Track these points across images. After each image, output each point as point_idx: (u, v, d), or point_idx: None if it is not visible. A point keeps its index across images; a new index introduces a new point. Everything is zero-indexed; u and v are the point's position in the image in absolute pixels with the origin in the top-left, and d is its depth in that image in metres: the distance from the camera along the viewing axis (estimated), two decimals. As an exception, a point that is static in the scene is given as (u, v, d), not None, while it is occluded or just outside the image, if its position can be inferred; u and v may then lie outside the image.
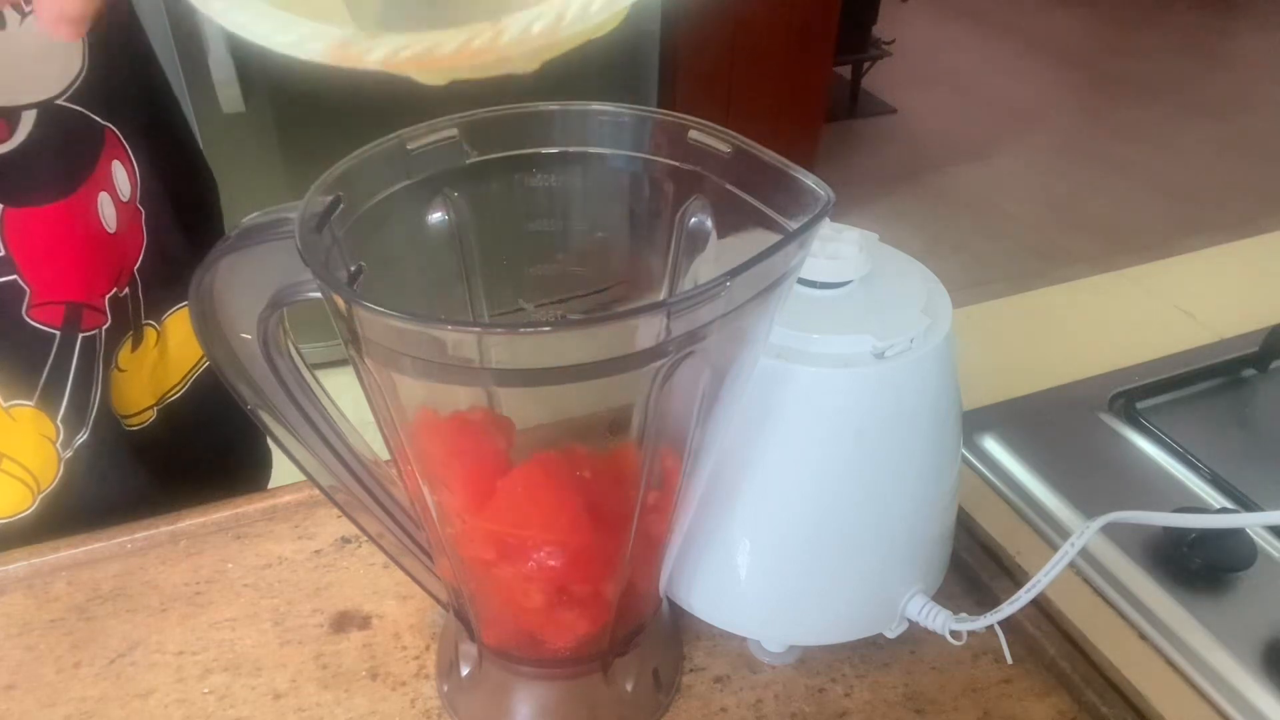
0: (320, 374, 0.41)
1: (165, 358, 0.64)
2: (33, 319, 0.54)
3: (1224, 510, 0.56)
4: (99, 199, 0.55)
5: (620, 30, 0.24)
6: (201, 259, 0.36)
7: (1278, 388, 0.68)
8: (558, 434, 0.40)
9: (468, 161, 0.39)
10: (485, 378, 0.32)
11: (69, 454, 0.58)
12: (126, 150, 0.57)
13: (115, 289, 0.58)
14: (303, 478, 0.43)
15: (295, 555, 0.54)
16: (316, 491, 0.44)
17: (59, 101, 0.53)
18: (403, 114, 0.38)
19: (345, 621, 0.50)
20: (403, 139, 0.37)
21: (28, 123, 0.51)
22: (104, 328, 0.58)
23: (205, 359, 0.66)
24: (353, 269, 0.35)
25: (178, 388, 0.65)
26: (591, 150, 0.40)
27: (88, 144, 0.55)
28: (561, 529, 0.39)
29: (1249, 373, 0.69)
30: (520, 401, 0.38)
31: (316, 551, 0.54)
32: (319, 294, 0.32)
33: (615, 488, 0.40)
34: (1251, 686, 0.47)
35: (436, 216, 0.40)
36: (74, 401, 0.57)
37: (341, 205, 0.34)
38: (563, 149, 0.40)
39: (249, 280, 0.36)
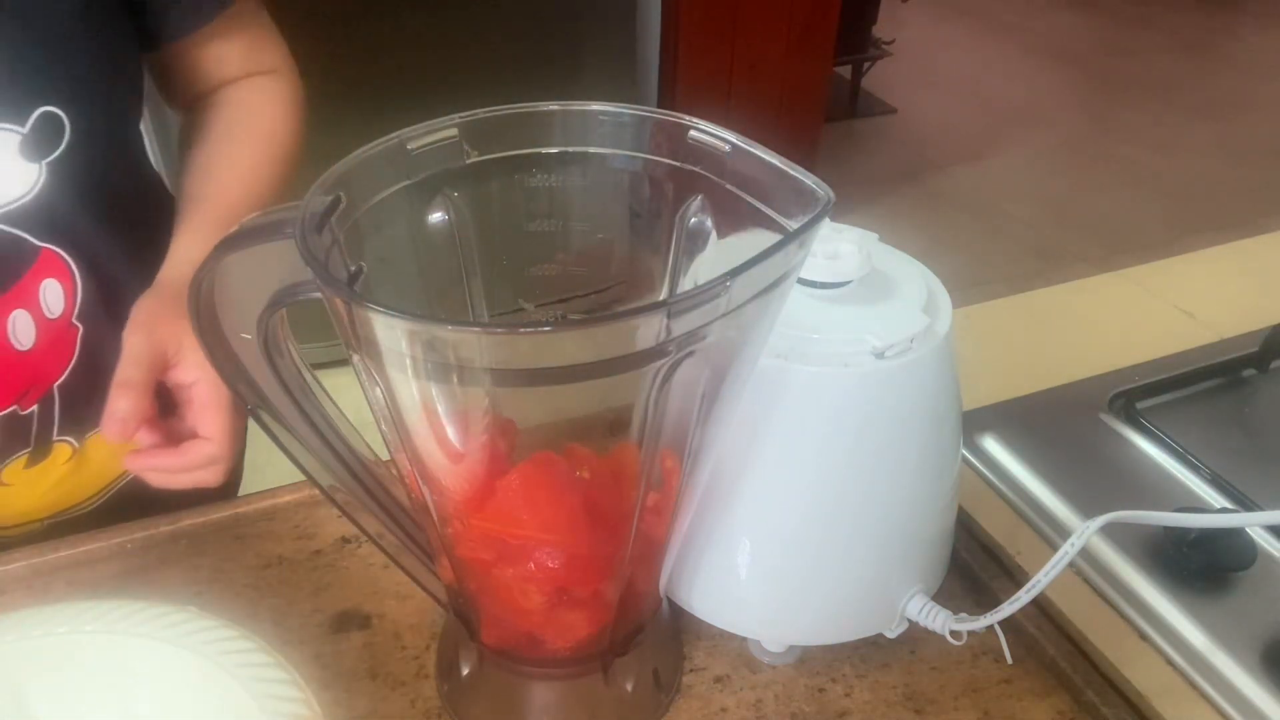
0: (320, 374, 0.41)
1: (80, 473, 0.60)
2: None
3: (1224, 510, 0.56)
4: (11, 317, 0.53)
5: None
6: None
7: (1278, 388, 0.68)
8: (558, 434, 0.40)
9: (468, 161, 0.39)
10: (485, 378, 0.32)
11: None
12: (70, 269, 0.54)
13: (14, 407, 0.55)
14: (302, 478, 0.43)
15: (295, 555, 0.54)
16: (316, 491, 0.44)
17: None
18: (403, 114, 0.38)
19: (345, 621, 0.50)
20: (403, 139, 0.37)
21: None
22: None
23: (121, 482, 0.63)
24: (353, 269, 0.35)
25: (88, 502, 0.62)
26: (591, 150, 0.40)
27: (12, 263, 0.52)
28: (561, 529, 0.39)
29: (1249, 373, 0.69)
30: (520, 401, 0.38)
31: (316, 551, 0.54)
32: (319, 294, 0.32)
33: (615, 488, 0.40)
34: (1251, 686, 0.47)
35: (436, 216, 0.40)
36: None
37: (341, 205, 0.34)
38: (563, 149, 0.40)
39: (249, 280, 0.36)
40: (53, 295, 0.54)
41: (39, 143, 0.51)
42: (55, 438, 0.58)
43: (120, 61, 0.56)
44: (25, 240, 0.52)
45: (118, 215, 0.57)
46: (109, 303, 0.57)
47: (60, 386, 0.57)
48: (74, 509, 0.61)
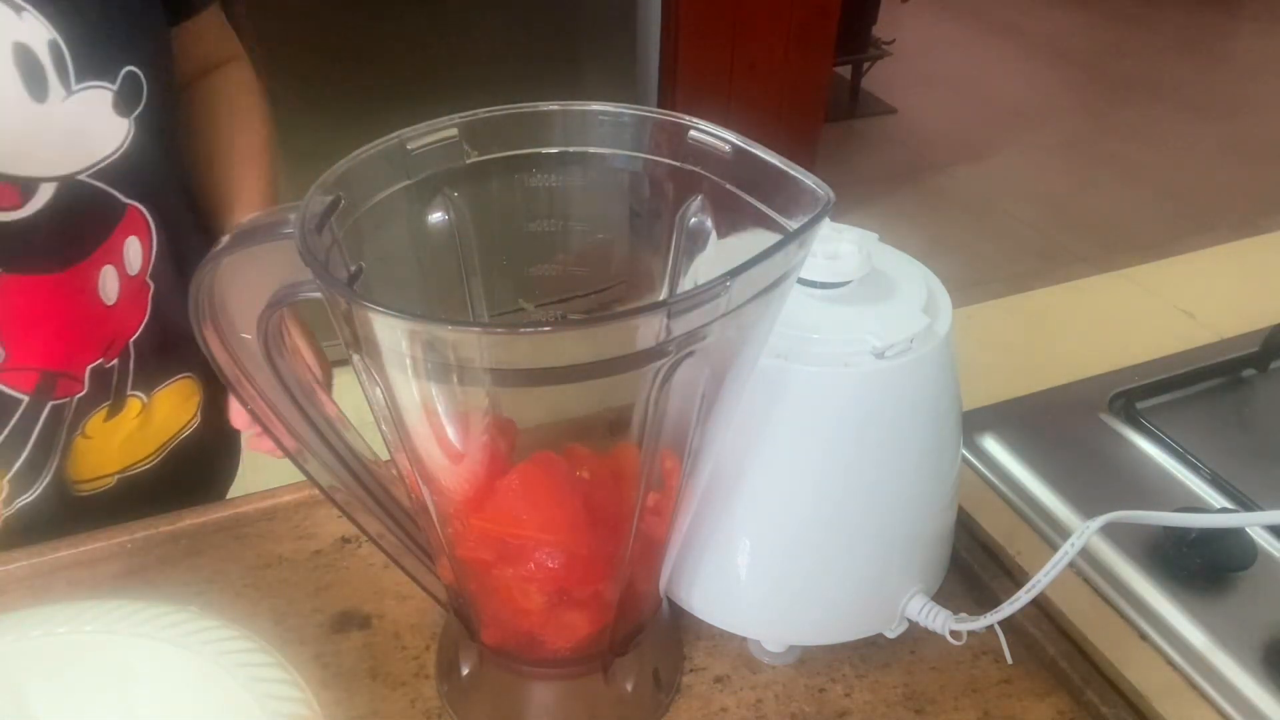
0: (320, 374, 0.41)
1: (145, 429, 0.63)
2: (2, 384, 0.54)
3: (1224, 510, 0.56)
4: (102, 272, 0.56)
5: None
6: None
7: (1278, 388, 0.68)
8: (558, 434, 0.40)
9: (468, 161, 0.39)
10: (485, 378, 0.32)
11: (9, 511, 0.58)
12: (149, 226, 0.57)
13: (101, 360, 0.58)
14: (303, 478, 0.43)
15: (295, 555, 0.54)
16: (316, 491, 0.44)
17: (81, 177, 0.53)
18: (403, 114, 0.38)
19: (345, 621, 0.50)
20: (403, 139, 0.37)
21: (44, 194, 0.51)
22: (78, 396, 0.58)
23: (187, 430, 0.66)
24: (353, 269, 0.35)
25: (149, 459, 0.65)
26: (591, 150, 0.40)
27: (103, 219, 0.55)
28: (561, 529, 0.39)
29: (1249, 373, 0.69)
30: (520, 401, 0.38)
31: (316, 551, 0.54)
32: (319, 294, 0.32)
33: (615, 488, 0.40)
34: (1251, 686, 0.47)
35: (436, 216, 0.40)
36: (29, 464, 0.57)
37: (341, 205, 0.34)
38: (563, 149, 0.40)
39: (249, 280, 0.36)
40: (133, 252, 0.57)
41: (128, 100, 0.54)
42: (129, 392, 0.61)
43: (167, 31, 0.60)
44: (115, 198, 0.55)
45: (183, 176, 0.62)
46: (176, 260, 0.60)
47: (135, 341, 0.60)
48: (140, 464, 0.64)
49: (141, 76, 0.54)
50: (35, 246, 0.52)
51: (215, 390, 0.67)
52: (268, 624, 0.50)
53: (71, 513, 0.60)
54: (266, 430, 0.41)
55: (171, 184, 0.60)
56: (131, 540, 0.54)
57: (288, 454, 0.42)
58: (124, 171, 0.54)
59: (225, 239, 0.35)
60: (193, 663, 0.40)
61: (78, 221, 0.53)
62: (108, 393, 0.60)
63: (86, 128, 0.52)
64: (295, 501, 0.57)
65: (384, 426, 0.37)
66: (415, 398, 0.34)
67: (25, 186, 0.51)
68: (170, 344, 0.62)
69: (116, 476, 0.63)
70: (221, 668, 0.40)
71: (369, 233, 0.36)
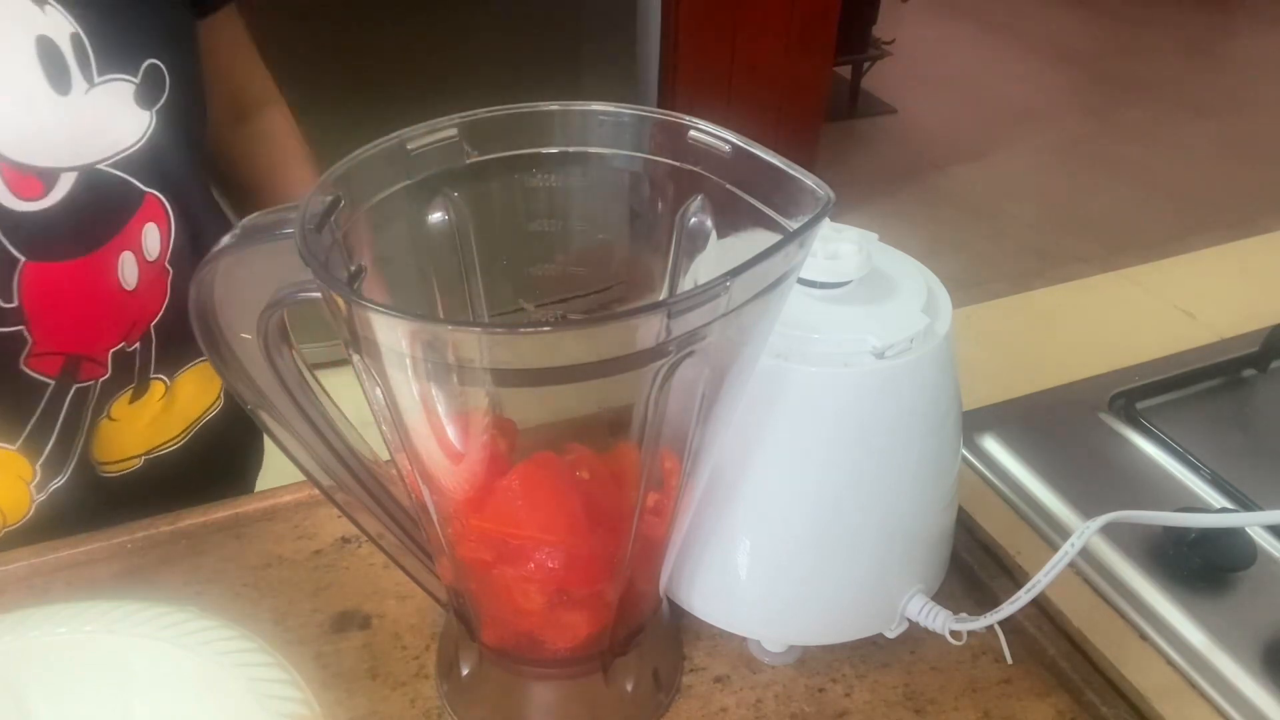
0: (320, 374, 0.41)
1: (169, 411, 0.64)
2: (29, 368, 0.55)
3: (1224, 510, 0.56)
4: (121, 258, 0.56)
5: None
6: None
7: (1278, 388, 0.68)
8: (558, 434, 0.40)
9: (468, 161, 0.39)
10: (485, 378, 0.32)
11: (42, 496, 0.58)
12: (168, 214, 0.58)
13: (123, 343, 0.58)
14: (303, 478, 0.43)
15: (295, 555, 0.54)
16: (316, 491, 0.44)
17: (101, 166, 0.53)
18: (403, 114, 0.38)
19: (345, 621, 0.50)
20: (403, 139, 0.37)
21: (65, 184, 0.52)
22: (101, 379, 0.58)
23: (211, 412, 0.67)
24: (353, 269, 0.35)
25: (174, 441, 0.65)
26: (591, 150, 0.40)
27: (122, 207, 0.56)
28: (561, 530, 0.39)
29: (1249, 373, 0.69)
30: (520, 401, 0.38)
31: (316, 551, 0.54)
32: (319, 294, 0.32)
33: (615, 488, 0.40)
34: (1251, 686, 0.47)
35: (436, 216, 0.40)
36: (58, 447, 0.58)
37: (342, 205, 0.34)
38: (563, 149, 0.40)
39: (249, 280, 0.36)
40: (152, 239, 0.58)
41: (149, 92, 0.54)
42: (152, 375, 0.62)
43: (191, 24, 0.61)
44: (134, 186, 0.55)
45: (202, 164, 0.63)
46: (195, 246, 0.60)
47: (156, 325, 0.60)
48: (165, 446, 0.65)
49: (164, 69, 0.54)
50: (56, 234, 0.53)
51: None
52: (268, 624, 0.50)
53: (100, 497, 0.61)
54: (267, 431, 0.41)
55: (190, 172, 0.60)
56: (131, 540, 0.54)
57: (287, 453, 0.42)
58: (143, 162, 0.55)
59: (225, 239, 0.35)
60: (193, 663, 0.40)
61: (97, 209, 0.54)
62: (131, 375, 0.60)
63: (108, 120, 0.53)
64: (295, 501, 0.57)
65: (384, 426, 0.37)
66: (415, 398, 0.34)
67: (47, 177, 0.51)
68: (190, 327, 0.62)
69: (144, 458, 0.64)
70: (221, 668, 0.40)
71: (369, 233, 0.36)
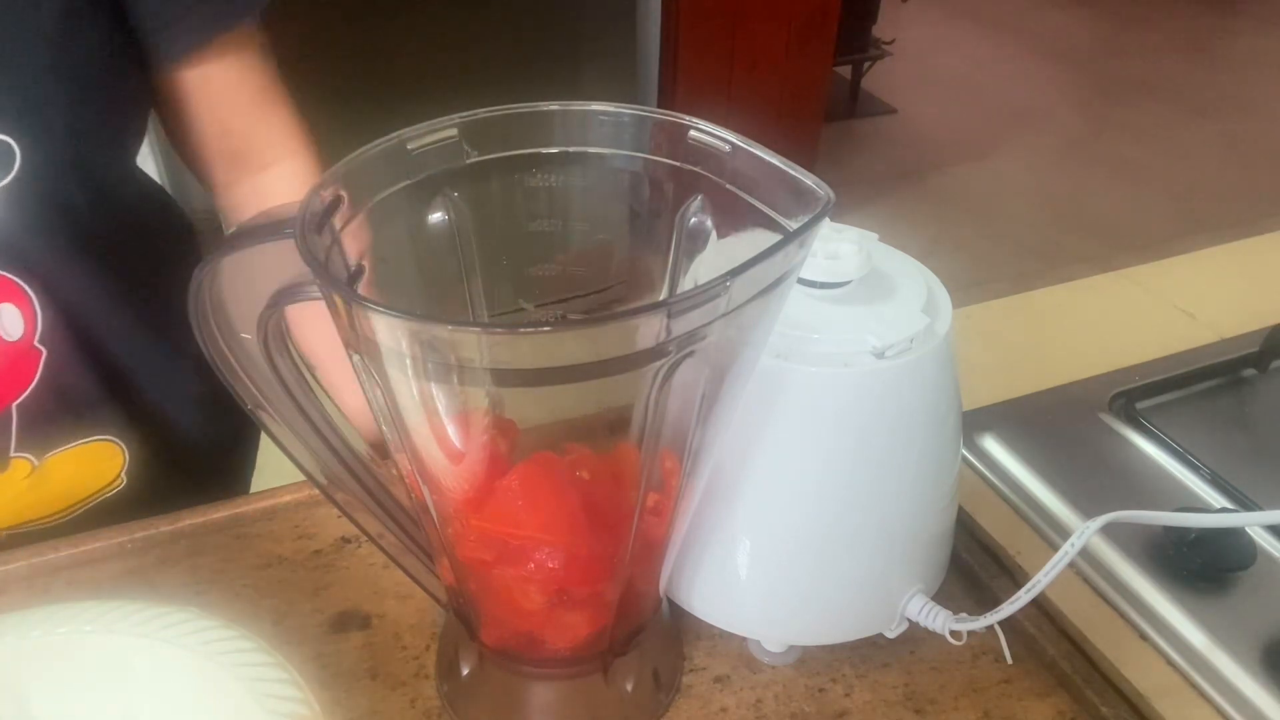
0: (320, 374, 0.41)
1: (38, 491, 0.60)
2: None
3: (1224, 510, 0.56)
4: None
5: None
6: None
7: (1278, 388, 0.68)
8: (558, 434, 0.40)
9: (468, 161, 0.39)
10: (485, 378, 0.32)
11: None
12: (28, 296, 0.54)
13: None
14: (302, 478, 0.43)
15: (295, 555, 0.54)
16: (316, 491, 0.44)
17: None
18: (403, 114, 0.38)
19: (345, 621, 0.50)
20: (403, 139, 0.37)
21: None
22: None
23: (108, 492, 0.63)
24: (353, 269, 0.35)
25: (46, 519, 0.62)
26: (591, 150, 0.40)
27: None
28: (561, 529, 0.39)
29: (1249, 373, 0.69)
30: (520, 401, 0.38)
31: (316, 551, 0.54)
32: (319, 294, 0.32)
33: (615, 488, 0.40)
34: (1251, 686, 0.47)
35: (436, 216, 0.40)
36: None
37: (342, 205, 0.34)
38: (563, 149, 0.40)
39: (249, 280, 0.36)
40: (10, 319, 0.54)
41: None
42: (13, 454, 0.58)
43: (98, 87, 0.54)
44: None
45: (87, 244, 0.56)
46: (75, 328, 0.57)
47: (19, 406, 0.56)
48: (34, 523, 0.61)
49: (13, 145, 0.50)
50: None
51: (148, 454, 0.63)
52: (268, 624, 0.50)
53: None
54: (267, 431, 0.41)
55: (59, 249, 0.55)
56: (131, 540, 0.54)
57: (287, 453, 0.42)
58: None
59: (225, 239, 0.35)
60: (193, 663, 0.40)
61: None
62: None
63: None
64: (295, 501, 0.57)
65: (384, 426, 0.37)
66: (415, 398, 0.34)
67: None
68: (69, 408, 0.58)
69: (6, 533, 0.61)
70: (221, 668, 0.40)
71: (369, 233, 0.36)
